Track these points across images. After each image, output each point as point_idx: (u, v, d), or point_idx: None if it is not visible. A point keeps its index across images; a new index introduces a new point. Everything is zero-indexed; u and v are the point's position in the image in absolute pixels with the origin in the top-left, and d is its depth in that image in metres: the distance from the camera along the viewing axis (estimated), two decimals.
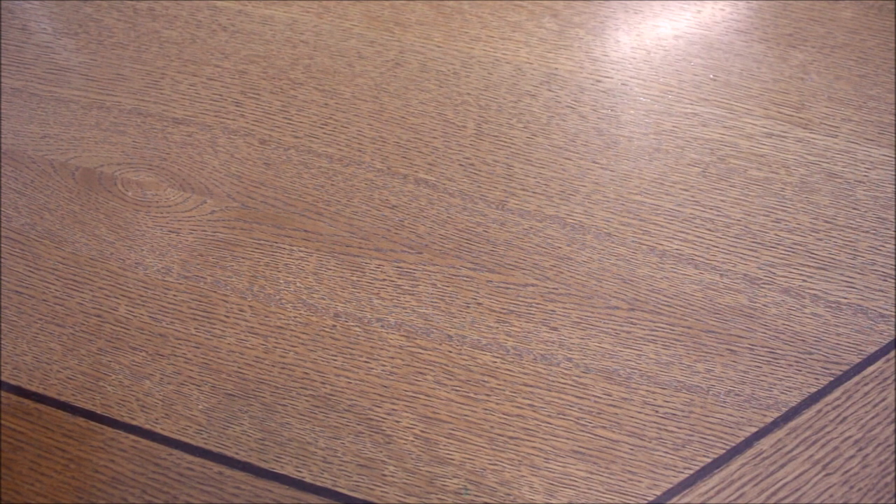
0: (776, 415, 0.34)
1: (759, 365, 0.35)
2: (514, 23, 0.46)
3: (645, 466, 0.33)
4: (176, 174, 0.41)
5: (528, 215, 0.39)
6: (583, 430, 0.33)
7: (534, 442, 0.33)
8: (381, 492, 0.32)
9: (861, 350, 0.35)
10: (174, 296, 0.37)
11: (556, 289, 0.37)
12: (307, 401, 0.34)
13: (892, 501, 0.32)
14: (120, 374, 0.35)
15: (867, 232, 0.38)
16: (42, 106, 0.44)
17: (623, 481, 0.32)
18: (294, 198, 0.40)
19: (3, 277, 0.38)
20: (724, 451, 0.33)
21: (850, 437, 0.33)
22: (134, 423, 0.34)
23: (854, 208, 0.39)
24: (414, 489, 0.32)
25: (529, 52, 0.44)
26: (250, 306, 0.37)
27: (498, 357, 0.35)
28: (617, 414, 0.34)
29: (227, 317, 0.36)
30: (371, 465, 0.33)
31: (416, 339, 0.36)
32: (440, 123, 0.42)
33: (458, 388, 0.34)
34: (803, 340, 0.35)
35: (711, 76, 0.43)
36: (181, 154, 0.41)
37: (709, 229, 0.38)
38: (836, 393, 0.34)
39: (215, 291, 0.37)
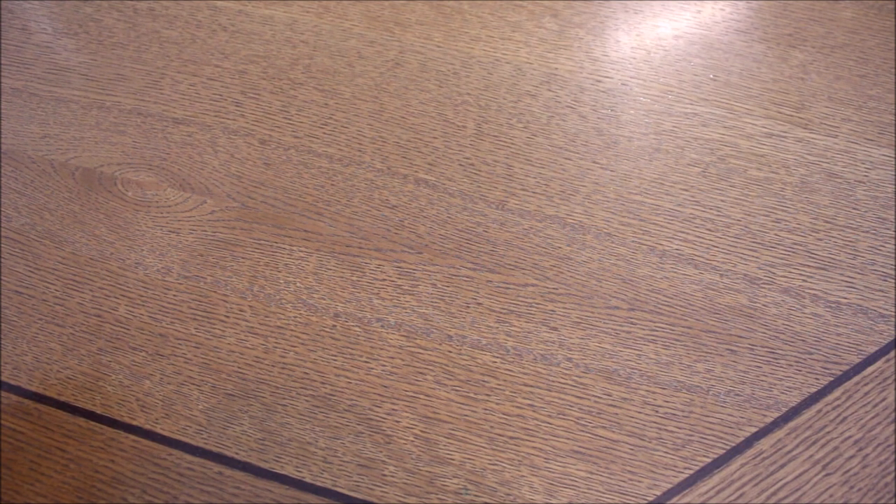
0: (776, 415, 0.34)
1: (759, 365, 0.35)
2: (514, 23, 0.46)
3: (645, 466, 0.33)
4: (176, 174, 0.41)
5: (528, 215, 0.39)
6: (583, 430, 0.33)
7: (534, 442, 0.33)
8: (381, 492, 0.32)
9: (861, 350, 0.35)
10: (174, 296, 0.37)
11: (556, 289, 0.37)
12: (307, 401, 0.34)
13: (892, 501, 0.32)
14: (120, 374, 0.35)
15: (867, 232, 0.38)
16: (42, 106, 0.44)
17: (623, 481, 0.32)
18: (294, 198, 0.40)
19: (3, 277, 0.38)
20: (724, 451, 0.33)
21: (850, 437, 0.33)
22: (134, 423, 0.34)
23: (854, 208, 0.39)
24: (414, 489, 0.32)
25: (529, 52, 0.44)
26: (250, 306, 0.37)
27: (498, 357, 0.35)
28: (617, 414, 0.34)
29: (227, 317, 0.36)
30: (371, 465, 0.33)
31: (416, 339, 0.36)
32: (440, 123, 0.42)
33: (458, 388, 0.34)
34: (803, 340, 0.35)
35: (711, 76, 0.43)
36: (181, 154, 0.42)
37: (709, 229, 0.38)
38: (836, 393, 0.34)
39: (215, 291, 0.37)
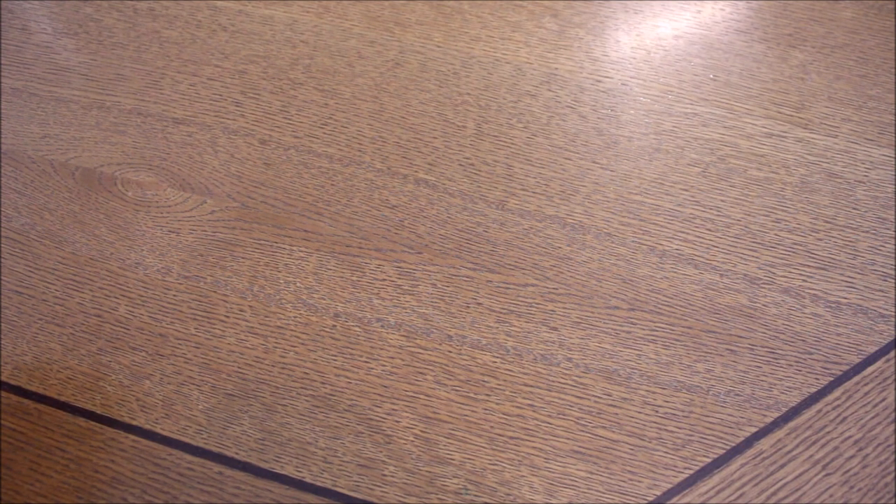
0: (776, 415, 0.34)
1: (759, 365, 0.35)
2: (514, 23, 0.46)
3: (645, 466, 0.33)
4: (176, 174, 0.41)
5: (528, 215, 0.39)
6: (583, 430, 0.33)
7: (534, 442, 0.33)
8: (381, 492, 0.32)
9: (861, 350, 0.35)
10: (174, 296, 0.37)
11: (556, 289, 0.37)
12: (307, 401, 0.34)
13: (892, 501, 0.32)
14: (120, 374, 0.35)
15: (867, 232, 0.38)
16: (42, 106, 0.44)
17: (623, 481, 0.32)
18: (294, 198, 0.40)
19: (3, 277, 0.38)
20: (724, 451, 0.33)
21: (850, 437, 0.33)
22: (134, 423, 0.34)
23: (854, 208, 0.39)
24: (414, 489, 0.32)
25: (529, 52, 0.44)
26: (250, 306, 0.37)
27: (498, 357, 0.35)
28: (617, 414, 0.34)
29: (227, 317, 0.36)
30: (371, 465, 0.33)
31: (416, 339, 0.36)
32: (440, 123, 0.42)
33: (458, 388, 0.34)
34: (803, 340, 0.35)
35: (711, 76, 0.43)
36: (181, 154, 0.42)
37: (709, 229, 0.38)
38: (836, 393, 0.34)
39: (215, 291, 0.37)
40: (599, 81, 0.43)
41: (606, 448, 0.33)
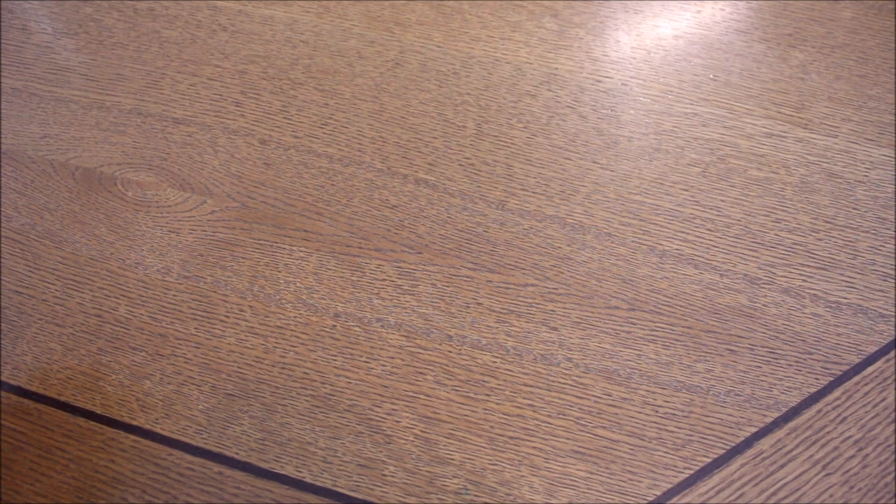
0: (776, 415, 0.34)
1: (759, 365, 0.35)
2: (514, 23, 0.46)
3: (645, 466, 0.33)
4: (176, 174, 0.41)
5: (528, 215, 0.39)
6: (583, 430, 0.33)
7: (534, 442, 0.33)
8: (381, 492, 0.32)
9: (861, 350, 0.35)
10: (174, 296, 0.37)
11: (556, 289, 0.37)
12: (307, 401, 0.34)
13: (892, 501, 0.32)
14: (120, 374, 0.35)
15: (867, 232, 0.38)
16: (42, 106, 0.44)
17: (623, 481, 0.32)
18: (294, 198, 0.40)
19: (3, 277, 0.38)
20: (724, 451, 0.33)
21: (850, 437, 0.33)
22: (134, 423, 0.34)
23: (854, 208, 0.39)
24: (414, 489, 0.32)
25: (529, 52, 0.44)
26: (250, 306, 0.37)
27: (498, 357, 0.35)
28: (617, 414, 0.34)
29: (227, 317, 0.36)
30: (371, 465, 0.33)
31: (416, 339, 0.36)
32: (440, 123, 0.42)
33: (458, 388, 0.34)
34: (803, 340, 0.35)
35: (711, 76, 0.43)
36: (181, 154, 0.42)
37: (709, 229, 0.38)
38: (836, 393, 0.34)
39: (215, 291, 0.37)
40: (599, 81, 0.43)
41: (606, 448, 0.33)
